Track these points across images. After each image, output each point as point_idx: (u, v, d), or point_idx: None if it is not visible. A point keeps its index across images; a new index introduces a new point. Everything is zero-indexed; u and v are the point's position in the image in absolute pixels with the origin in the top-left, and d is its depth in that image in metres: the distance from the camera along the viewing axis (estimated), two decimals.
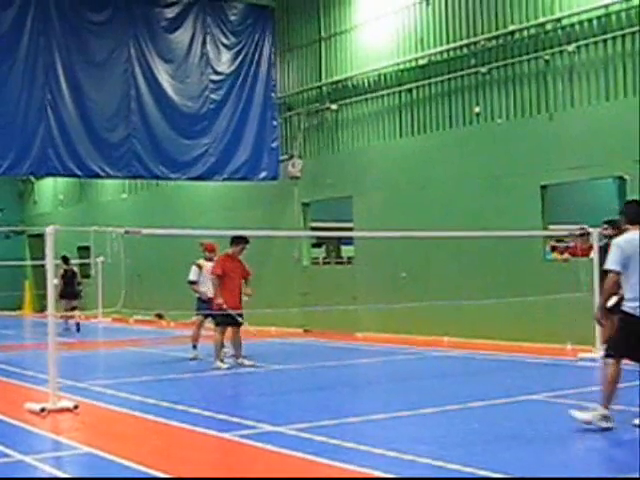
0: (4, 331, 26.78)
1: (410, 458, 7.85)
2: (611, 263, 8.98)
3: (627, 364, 9.28)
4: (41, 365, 12.59)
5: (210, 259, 16.77)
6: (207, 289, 16.45)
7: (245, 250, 15.89)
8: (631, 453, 8.07)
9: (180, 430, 9.60)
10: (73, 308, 24.55)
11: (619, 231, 16.07)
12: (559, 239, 21.50)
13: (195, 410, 10.77)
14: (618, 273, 8.96)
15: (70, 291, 24.65)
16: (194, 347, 16.94)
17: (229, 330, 15.51)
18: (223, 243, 23.14)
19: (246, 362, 15.55)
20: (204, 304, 16.50)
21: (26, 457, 8.31)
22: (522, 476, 7.28)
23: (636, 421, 8.94)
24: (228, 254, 15.84)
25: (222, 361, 15.28)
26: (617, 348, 9.10)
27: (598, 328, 15.47)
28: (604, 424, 8.84)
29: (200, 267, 16.99)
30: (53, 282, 11.47)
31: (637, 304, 8.93)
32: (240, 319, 15.41)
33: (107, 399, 11.94)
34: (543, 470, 7.50)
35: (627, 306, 9.01)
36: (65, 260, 25.34)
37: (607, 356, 9.22)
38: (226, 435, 9.12)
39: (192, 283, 17.08)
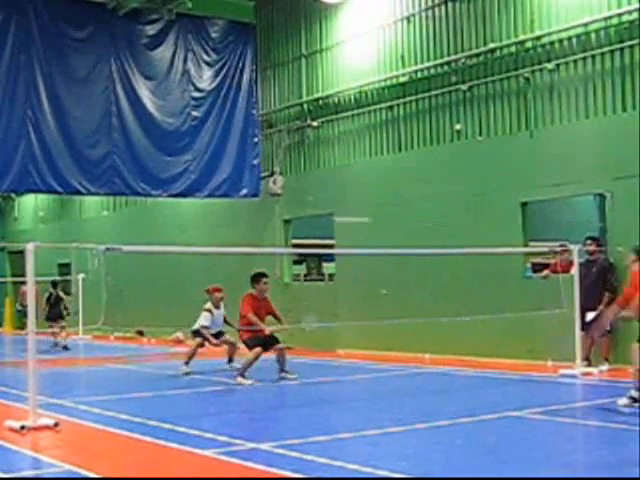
0: None
1: (396, 476, 7.85)
2: None
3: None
4: (21, 382, 12.52)
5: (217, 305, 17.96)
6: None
7: (266, 285, 16.17)
8: (612, 469, 8.10)
9: (163, 448, 9.56)
10: (62, 327, 25.00)
11: (601, 247, 16.27)
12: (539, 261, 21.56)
13: (181, 428, 10.70)
14: None
15: (54, 312, 24.98)
16: (186, 363, 17.32)
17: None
18: (205, 260, 23.17)
19: (289, 376, 15.93)
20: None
21: (5, 475, 8.24)
22: None
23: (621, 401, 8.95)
24: (252, 294, 16.12)
25: (244, 377, 15.53)
26: None
27: (579, 344, 15.56)
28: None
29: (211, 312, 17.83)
30: (33, 298, 11.42)
31: None
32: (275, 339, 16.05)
33: (88, 416, 11.87)
34: None
35: None
36: (54, 284, 25.68)
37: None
38: (209, 452, 9.08)
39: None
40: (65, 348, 24.36)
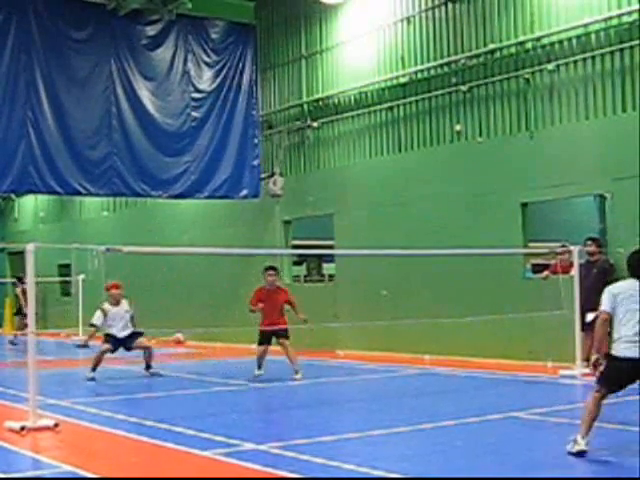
0: None
1: (395, 476, 7.85)
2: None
3: None
4: (21, 383, 12.52)
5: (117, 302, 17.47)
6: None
7: (271, 277, 16.43)
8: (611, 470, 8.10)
9: (162, 448, 9.56)
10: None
11: (601, 248, 16.26)
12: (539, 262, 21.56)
13: (178, 428, 10.71)
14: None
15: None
16: (93, 369, 17.02)
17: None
18: (205, 261, 23.17)
19: (295, 376, 16.10)
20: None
21: (5, 476, 8.24)
22: None
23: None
24: (260, 287, 16.55)
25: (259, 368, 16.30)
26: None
27: (579, 345, 15.56)
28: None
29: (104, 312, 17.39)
30: (33, 298, 11.41)
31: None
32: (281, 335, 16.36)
33: (88, 417, 11.87)
34: None
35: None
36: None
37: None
38: (208, 453, 9.08)
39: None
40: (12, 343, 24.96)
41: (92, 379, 16.60)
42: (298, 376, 16.03)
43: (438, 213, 19.38)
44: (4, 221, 40.57)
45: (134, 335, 17.25)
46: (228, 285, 24.68)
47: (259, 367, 16.24)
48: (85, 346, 23.58)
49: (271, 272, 16.51)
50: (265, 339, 16.35)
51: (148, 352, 17.35)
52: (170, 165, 22.11)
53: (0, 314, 37.23)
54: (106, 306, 17.29)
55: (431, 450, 9.19)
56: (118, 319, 17.19)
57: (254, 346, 18.86)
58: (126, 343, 17.18)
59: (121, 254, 12.88)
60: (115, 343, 17.11)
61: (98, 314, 17.34)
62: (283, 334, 16.30)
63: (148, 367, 17.22)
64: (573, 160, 16.93)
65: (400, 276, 20.08)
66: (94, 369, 16.80)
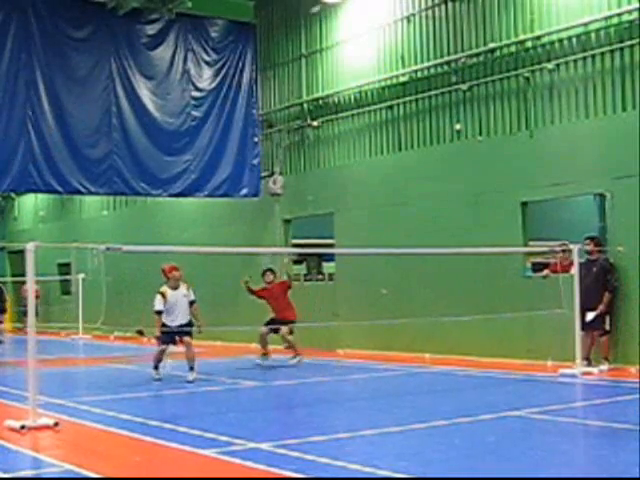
0: None
1: (400, 476, 7.85)
2: None
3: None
4: (21, 382, 12.52)
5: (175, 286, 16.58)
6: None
7: (267, 277, 19.32)
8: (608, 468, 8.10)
9: (163, 447, 9.56)
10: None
11: (600, 247, 16.27)
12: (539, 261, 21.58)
13: (181, 428, 10.70)
14: None
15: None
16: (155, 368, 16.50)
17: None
18: (204, 260, 23.17)
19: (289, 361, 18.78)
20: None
21: (5, 475, 8.25)
22: None
23: None
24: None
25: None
26: None
27: (578, 344, 15.56)
28: None
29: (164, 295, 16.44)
30: (33, 298, 11.41)
31: None
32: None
33: (88, 416, 11.87)
34: None
35: None
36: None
37: None
38: (210, 452, 9.07)
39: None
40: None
41: (159, 379, 16.09)
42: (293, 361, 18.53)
43: (438, 212, 19.38)
44: (4, 220, 40.58)
45: (185, 327, 16.35)
46: (228, 284, 24.67)
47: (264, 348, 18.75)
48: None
49: (268, 273, 19.16)
50: (271, 323, 18.83)
51: (189, 352, 16.29)
52: (170, 164, 22.11)
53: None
54: (164, 289, 16.39)
55: (432, 449, 9.19)
56: (177, 304, 16.29)
57: (254, 345, 18.98)
58: (179, 334, 16.22)
59: (121, 253, 12.86)
60: (168, 337, 16.21)
61: (158, 298, 16.31)
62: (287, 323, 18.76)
63: (191, 368, 16.17)
64: (573, 159, 16.93)
65: (400, 275, 20.08)
66: (156, 367, 16.33)
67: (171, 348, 16.60)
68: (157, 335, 16.42)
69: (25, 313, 29.75)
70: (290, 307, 19.16)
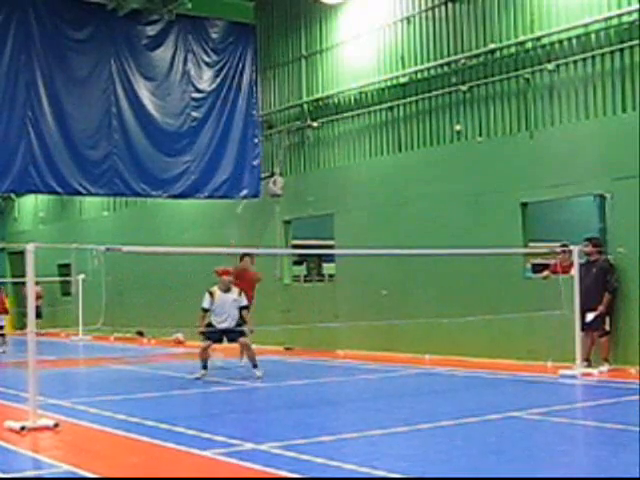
0: None
1: (396, 476, 7.85)
2: None
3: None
4: (22, 383, 12.52)
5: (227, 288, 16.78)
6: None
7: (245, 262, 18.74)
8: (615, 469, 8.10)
9: (162, 448, 9.56)
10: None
11: (599, 248, 16.28)
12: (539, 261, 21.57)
13: (178, 428, 10.71)
14: None
15: None
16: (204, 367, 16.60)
17: None
18: (205, 261, 23.16)
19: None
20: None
21: (5, 476, 8.25)
22: None
23: None
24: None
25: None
26: None
27: (578, 345, 15.56)
28: None
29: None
30: (33, 299, 11.40)
31: None
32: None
33: (88, 417, 11.87)
34: None
35: None
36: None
37: None
38: (208, 453, 9.08)
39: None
40: None
41: (200, 377, 16.24)
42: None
43: (438, 213, 19.38)
44: (4, 221, 40.60)
45: (236, 330, 16.50)
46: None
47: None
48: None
49: (247, 258, 18.43)
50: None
51: (248, 351, 16.69)
52: (170, 165, 22.11)
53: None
54: (215, 289, 16.67)
55: (432, 449, 9.18)
56: (225, 306, 16.53)
57: (254, 346, 18.93)
58: (228, 335, 16.54)
59: (121, 254, 12.87)
60: (214, 335, 16.45)
61: (207, 297, 16.58)
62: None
63: (254, 366, 16.43)
64: (573, 160, 16.94)
65: (400, 276, 20.08)
66: (204, 367, 16.47)
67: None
68: (201, 331, 16.63)
69: (37, 315, 29.89)
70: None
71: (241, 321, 16.67)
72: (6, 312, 26.39)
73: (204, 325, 16.53)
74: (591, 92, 16.86)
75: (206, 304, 16.56)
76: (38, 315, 29.29)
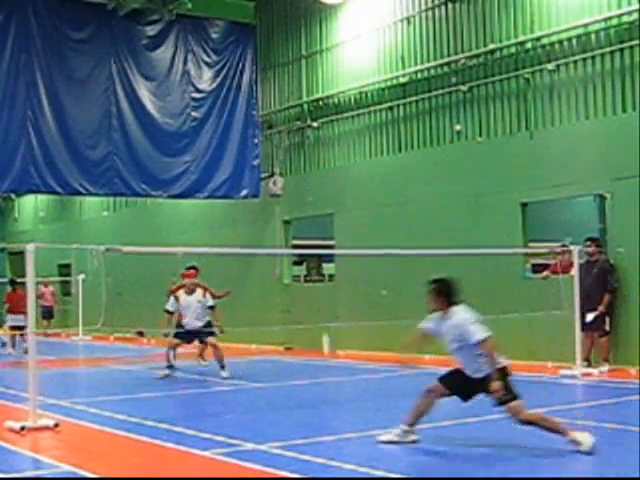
0: None
1: (396, 476, 7.85)
2: None
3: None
4: (22, 383, 12.52)
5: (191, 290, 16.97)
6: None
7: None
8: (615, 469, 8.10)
9: (162, 448, 9.56)
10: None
11: (601, 248, 16.27)
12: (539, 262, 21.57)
13: (178, 428, 10.70)
14: None
15: None
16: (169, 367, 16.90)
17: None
18: (205, 261, 23.16)
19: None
20: None
21: (5, 476, 8.24)
22: None
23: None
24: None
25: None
26: None
27: (579, 345, 15.56)
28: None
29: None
30: (33, 299, 11.40)
31: None
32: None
33: (88, 417, 11.86)
34: None
35: None
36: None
37: None
38: (208, 453, 9.07)
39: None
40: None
41: (166, 376, 16.50)
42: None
43: (438, 213, 19.38)
44: (4, 221, 40.60)
45: (205, 329, 16.72)
46: (228, 285, 24.66)
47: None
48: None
49: (193, 271, 17.29)
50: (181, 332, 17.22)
51: (216, 351, 16.71)
52: (170, 165, 22.12)
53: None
54: (179, 292, 16.90)
55: (431, 450, 9.18)
56: (190, 309, 16.75)
57: (254, 346, 19.03)
58: (198, 336, 16.82)
59: (121, 254, 12.86)
60: (184, 335, 16.79)
61: (171, 299, 16.91)
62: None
63: (222, 367, 16.55)
64: (573, 160, 16.94)
65: (400, 276, 20.07)
66: (169, 366, 16.74)
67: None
68: (164, 332, 17.07)
69: (44, 315, 29.86)
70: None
71: (210, 321, 16.88)
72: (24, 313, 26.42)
73: (176, 326, 16.93)
74: (591, 92, 16.86)
75: (170, 306, 16.91)
76: (51, 315, 29.53)
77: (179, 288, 17.09)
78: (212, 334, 16.87)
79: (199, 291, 16.86)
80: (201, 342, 17.34)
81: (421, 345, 9.92)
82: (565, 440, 8.73)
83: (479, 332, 9.24)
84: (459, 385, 9.47)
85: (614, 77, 16.46)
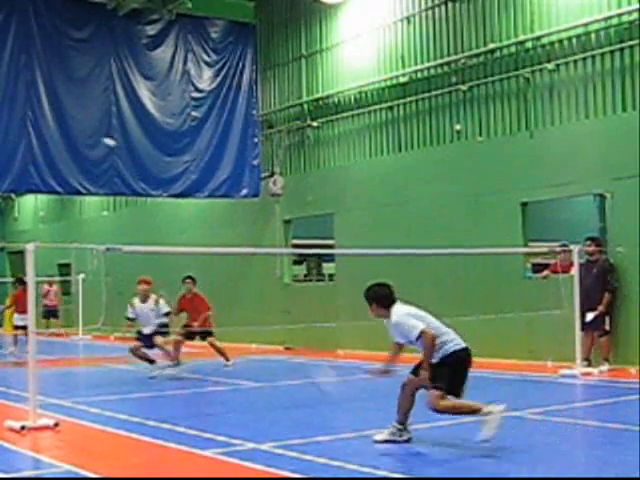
0: None
1: (398, 476, 7.85)
2: None
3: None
4: (21, 382, 12.52)
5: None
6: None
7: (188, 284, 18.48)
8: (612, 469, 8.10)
9: (163, 448, 9.55)
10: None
11: (601, 247, 16.27)
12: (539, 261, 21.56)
13: (180, 428, 10.70)
14: None
15: None
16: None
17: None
18: (203, 260, 23.16)
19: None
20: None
21: (5, 475, 8.24)
22: None
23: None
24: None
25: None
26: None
27: (579, 344, 15.56)
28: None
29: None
30: (33, 298, 11.40)
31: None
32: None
33: (88, 417, 11.86)
34: None
35: None
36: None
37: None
38: (209, 452, 9.07)
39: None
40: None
41: (153, 377, 16.82)
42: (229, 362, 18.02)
43: (438, 213, 19.37)
44: (4, 221, 40.60)
45: (157, 332, 17.26)
46: (228, 284, 24.68)
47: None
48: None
49: (188, 280, 18.32)
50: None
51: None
52: (170, 164, 22.12)
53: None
54: (134, 301, 17.55)
55: (430, 450, 9.18)
56: (143, 316, 17.37)
57: (254, 345, 19.04)
58: (150, 340, 17.30)
59: (121, 253, 12.86)
60: (144, 339, 17.33)
61: (129, 307, 17.60)
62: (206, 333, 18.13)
63: (152, 362, 17.45)
64: (573, 159, 16.94)
65: (399, 275, 20.01)
66: (150, 361, 17.39)
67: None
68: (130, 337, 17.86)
69: (46, 314, 29.84)
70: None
71: (165, 324, 17.42)
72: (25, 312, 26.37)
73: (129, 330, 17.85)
74: (591, 92, 16.87)
75: (129, 314, 17.60)
76: (55, 315, 29.48)
77: (183, 297, 18.26)
78: (210, 334, 18.03)
79: (152, 299, 17.44)
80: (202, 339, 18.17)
81: (397, 355, 9.89)
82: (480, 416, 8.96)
83: (415, 328, 9.37)
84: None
85: (614, 77, 16.46)
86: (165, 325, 17.39)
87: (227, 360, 18.08)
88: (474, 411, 9.07)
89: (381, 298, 9.78)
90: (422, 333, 9.24)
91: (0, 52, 19.85)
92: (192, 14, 22.30)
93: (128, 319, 17.55)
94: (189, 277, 18.42)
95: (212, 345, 18.17)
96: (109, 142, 20.00)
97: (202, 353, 19.11)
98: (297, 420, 11.56)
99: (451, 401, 9.25)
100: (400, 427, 9.35)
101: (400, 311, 9.64)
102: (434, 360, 9.31)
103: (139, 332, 17.43)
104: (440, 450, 9.16)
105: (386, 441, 9.29)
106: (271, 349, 22.31)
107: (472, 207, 18.74)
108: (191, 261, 24.22)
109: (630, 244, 15.89)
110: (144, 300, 17.41)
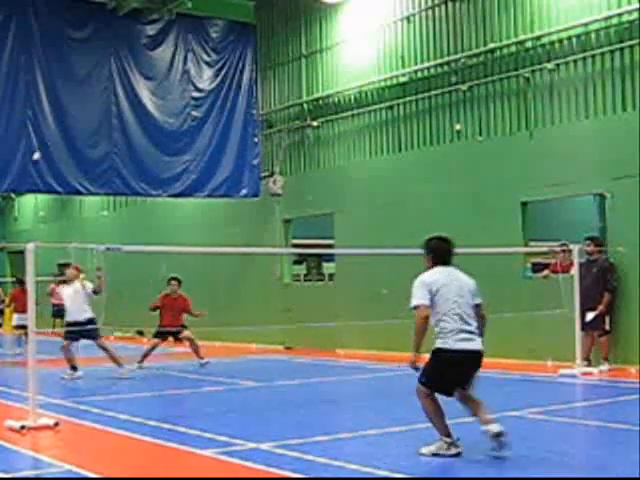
0: None
1: (400, 476, 7.85)
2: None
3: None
4: (21, 382, 12.52)
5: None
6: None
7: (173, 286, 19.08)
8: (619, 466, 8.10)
9: (162, 448, 9.55)
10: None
11: (601, 247, 16.28)
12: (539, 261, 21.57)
13: (180, 428, 10.70)
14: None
15: None
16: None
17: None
18: (203, 260, 23.17)
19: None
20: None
21: (5, 475, 8.24)
22: None
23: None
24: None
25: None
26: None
27: (579, 344, 15.57)
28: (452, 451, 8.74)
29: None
30: (33, 298, 11.40)
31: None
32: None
33: (88, 416, 11.86)
34: None
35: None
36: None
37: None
38: (209, 452, 9.07)
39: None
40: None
41: (69, 379, 16.83)
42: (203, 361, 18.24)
43: (438, 212, 19.36)
44: (4, 220, 40.56)
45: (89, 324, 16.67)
46: (228, 284, 24.68)
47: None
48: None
49: (173, 282, 18.91)
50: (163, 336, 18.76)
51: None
52: (170, 164, 22.11)
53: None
54: (58, 289, 17.33)
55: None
56: (68, 300, 17.20)
57: (254, 345, 19.02)
58: (82, 332, 16.70)
59: (121, 253, 12.85)
60: (71, 332, 16.80)
61: (51, 300, 17.89)
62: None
63: (201, 358, 18.17)
64: (573, 159, 16.94)
65: (400, 275, 20.00)
66: (73, 367, 17.21)
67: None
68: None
69: (54, 314, 29.81)
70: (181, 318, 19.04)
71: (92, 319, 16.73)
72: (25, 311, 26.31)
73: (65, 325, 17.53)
74: (591, 91, 16.87)
75: (53, 300, 17.81)
76: (62, 315, 29.25)
77: (167, 296, 18.79)
78: (184, 328, 18.69)
79: (78, 282, 17.16)
80: (176, 340, 18.83)
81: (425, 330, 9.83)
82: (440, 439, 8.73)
83: (413, 298, 9.71)
84: None
85: (614, 76, 16.47)
86: (91, 321, 16.60)
87: (202, 358, 18.31)
88: (439, 431, 8.79)
89: (429, 251, 9.88)
90: (415, 308, 9.08)
91: (0, 52, 19.84)
92: (192, 14, 22.29)
93: (55, 312, 17.32)
94: (174, 278, 18.99)
95: (188, 339, 18.57)
96: (36, 156, 19.97)
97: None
98: (297, 420, 11.56)
99: (429, 405, 9.09)
100: (448, 440, 8.77)
101: (424, 275, 9.61)
102: (435, 345, 9.25)
103: (69, 324, 16.95)
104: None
105: (434, 454, 8.70)
106: (271, 349, 22.31)
107: (472, 206, 18.74)
108: (191, 261, 24.25)
109: (630, 244, 15.89)
110: (69, 284, 17.25)
